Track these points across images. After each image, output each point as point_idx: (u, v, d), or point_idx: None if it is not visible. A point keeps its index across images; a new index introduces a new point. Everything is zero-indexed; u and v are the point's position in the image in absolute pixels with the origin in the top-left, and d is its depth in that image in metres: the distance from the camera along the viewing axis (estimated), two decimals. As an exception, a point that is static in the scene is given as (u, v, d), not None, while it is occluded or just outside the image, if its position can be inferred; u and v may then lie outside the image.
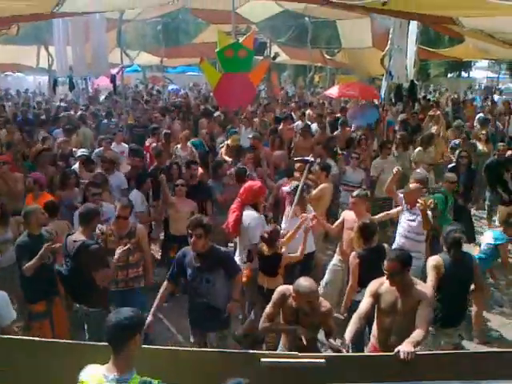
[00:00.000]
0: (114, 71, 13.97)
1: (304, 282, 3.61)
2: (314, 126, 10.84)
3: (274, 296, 3.83)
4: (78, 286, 4.42)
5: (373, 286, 3.86)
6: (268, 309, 3.84)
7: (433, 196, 6.30)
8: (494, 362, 3.34)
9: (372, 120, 11.24)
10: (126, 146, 8.80)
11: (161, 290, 4.24)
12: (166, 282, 4.28)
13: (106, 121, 11.39)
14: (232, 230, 5.42)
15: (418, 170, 7.23)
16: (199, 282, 4.10)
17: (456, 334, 4.60)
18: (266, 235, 4.86)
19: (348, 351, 3.54)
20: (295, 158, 7.20)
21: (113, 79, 13.79)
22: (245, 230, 5.30)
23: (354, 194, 5.55)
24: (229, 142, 8.39)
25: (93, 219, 4.51)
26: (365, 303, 3.80)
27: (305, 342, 3.54)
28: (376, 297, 3.79)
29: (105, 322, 4.00)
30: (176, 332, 5.52)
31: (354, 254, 4.68)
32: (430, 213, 5.37)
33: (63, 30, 12.92)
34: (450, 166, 8.12)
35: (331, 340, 3.61)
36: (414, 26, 11.46)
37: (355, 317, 3.75)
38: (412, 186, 5.70)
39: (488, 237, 5.75)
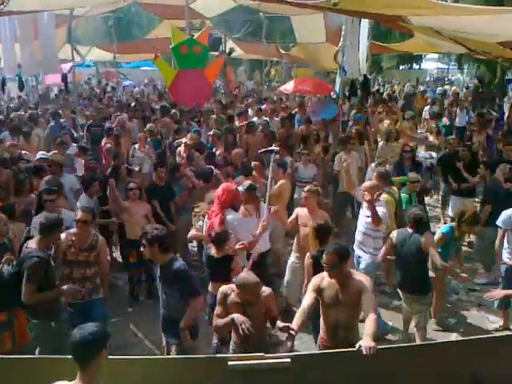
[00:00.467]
0: (65, 69, 13.59)
1: (247, 275, 3.75)
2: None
3: (218, 297, 3.93)
4: (16, 292, 4.25)
5: (314, 280, 3.99)
6: (216, 310, 3.94)
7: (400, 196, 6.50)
8: (455, 350, 3.52)
9: (331, 115, 11.38)
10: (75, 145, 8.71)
11: None
12: None
13: (53, 122, 11.01)
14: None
15: (373, 165, 7.43)
16: (160, 293, 4.16)
17: (412, 302, 5.08)
18: (213, 236, 4.71)
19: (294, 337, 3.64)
20: (259, 150, 7.19)
21: (64, 78, 13.41)
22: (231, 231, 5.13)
23: (305, 189, 5.67)
24: (187, 140, 8.36)
25: (53, 231, 4.40)
26: (308, 298, 3.91)
27: (246, 331, 3.57)
28: (318, 291, 3.91)
29: (48, 334, 4.07)
30: (143, 337, 5.49)
31: (308, 254, 4.76)
32: (381, 209, 5.45)
33: (10, 26, 12.40)
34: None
35: (278, 322, 3.73)
36: (365, 22, 11.67)
37: (299, 311, 3.86)
38: (369, 182, 5.81)
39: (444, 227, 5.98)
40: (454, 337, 5.39)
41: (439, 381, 3.40)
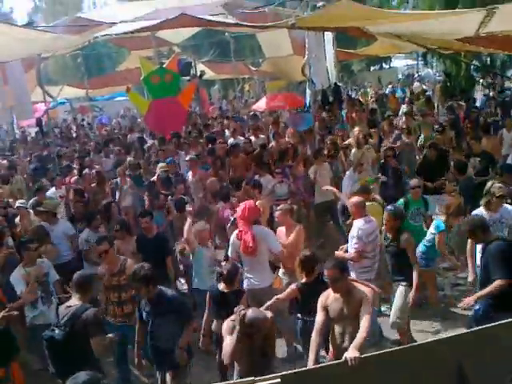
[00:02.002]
0: (39, 112, 13.67)
1: (256, 314, 3.78)
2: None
3: (225, 328, 3.92)
4: (71, 355, 3.99)
5: (321, 299, 4.14)
6: (225, 341, 3.89)
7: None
8: (441, 348, 3.63)
9: (307, 125, 11.56)
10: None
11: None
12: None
13: (33, 165, 10.98)
14: (255, 249, 5.32)
15: (348, 173, 7.59)
16: (151, 326, 4.28)
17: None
18: (224, 272, 4.66)
19: None
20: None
21: (39, 123, 13.48)
22: (261, 245, 5.34)
23: (278, 208, 5.88)
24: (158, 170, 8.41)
25: (90, 286, 4.38)
26: (319, 318, 4.07)
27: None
28: (326, 309, 4.07)
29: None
30: (137, 372, 5.49)
31: (294, 285, 4.77)
32: (354, 231, 5.43)
33: (-22, 76, 12.58)
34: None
35: None
36: (328, 32, 11.94)
37: (314, 334, 4.01)
38: (353, 199, 5.77)
39: (431, 226, 6.07)
40: (442, 333, 5.50)
41: (427, 378, 3.50)
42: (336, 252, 5.63)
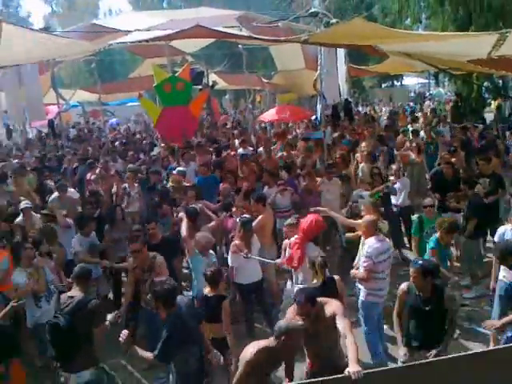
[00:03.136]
0: (52, 114, 13.82)
1: (289, 322, 3.74)
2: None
3: (256, 358, 3.64)
4: (71, 341, 4.26)
5: (289, 315, 4.12)
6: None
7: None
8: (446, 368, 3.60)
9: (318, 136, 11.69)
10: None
11: None
12: None
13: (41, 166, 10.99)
14: (298, 265, 5.40)
15: (356, 192, 7.58)
16: None
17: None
18: (209, 273, 4.73)
19: None
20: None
21: (51, 124, 13.63)
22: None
23: (285, 223, 5.87)
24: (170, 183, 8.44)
25: (89, 279, 4.71)
26: None
27: None
28: None
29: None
30: (140, 376, 5.57)
31: None
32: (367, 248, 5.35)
33: (-6, 76, 12.78)
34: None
35: None
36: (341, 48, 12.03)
37: None
38: (365, 218, 5.72)
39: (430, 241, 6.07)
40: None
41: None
42: (351, 271, 5.67)
